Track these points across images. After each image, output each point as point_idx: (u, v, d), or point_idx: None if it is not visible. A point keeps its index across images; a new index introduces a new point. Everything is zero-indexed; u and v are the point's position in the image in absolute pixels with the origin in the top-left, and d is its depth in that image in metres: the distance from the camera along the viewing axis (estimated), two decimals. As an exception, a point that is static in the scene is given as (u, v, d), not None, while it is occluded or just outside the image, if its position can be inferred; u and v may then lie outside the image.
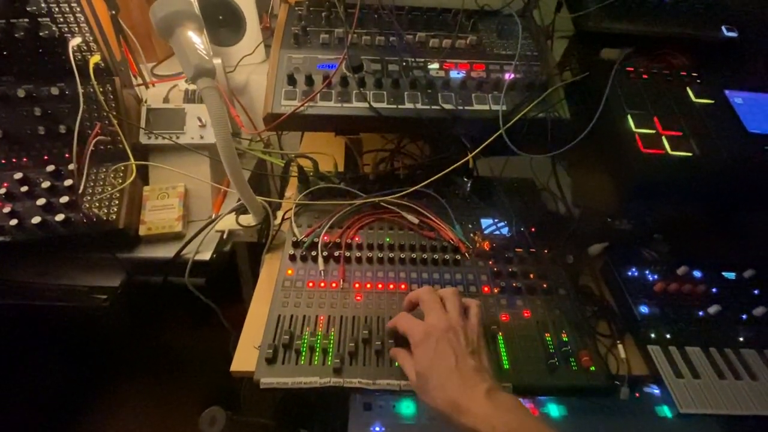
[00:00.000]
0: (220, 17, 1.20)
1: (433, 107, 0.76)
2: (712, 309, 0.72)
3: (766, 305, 0.72)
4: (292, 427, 0.92)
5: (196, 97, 0.94)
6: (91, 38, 0.78)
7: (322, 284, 0.72)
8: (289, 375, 0.60)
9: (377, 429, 0.68)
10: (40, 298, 0.79)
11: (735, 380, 0.65)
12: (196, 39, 0.67)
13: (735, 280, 0.78)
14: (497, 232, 0.83)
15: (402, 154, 0.91)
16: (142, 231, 0.80)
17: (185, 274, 0.79)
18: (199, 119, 0.88)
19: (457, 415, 0.49)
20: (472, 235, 0.81)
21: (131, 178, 0.79)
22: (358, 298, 0.70)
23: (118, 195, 0.79)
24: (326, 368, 0.61)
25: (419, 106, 0.76)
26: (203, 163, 0.88)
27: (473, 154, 0.77)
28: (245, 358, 0.65)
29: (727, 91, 0.77)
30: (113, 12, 0.84)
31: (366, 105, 0.75)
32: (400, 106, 0.76)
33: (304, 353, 0.62)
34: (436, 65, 0.81)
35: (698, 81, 0.78)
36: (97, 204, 0.77)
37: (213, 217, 0.87)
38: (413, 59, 0.81)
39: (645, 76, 0.78)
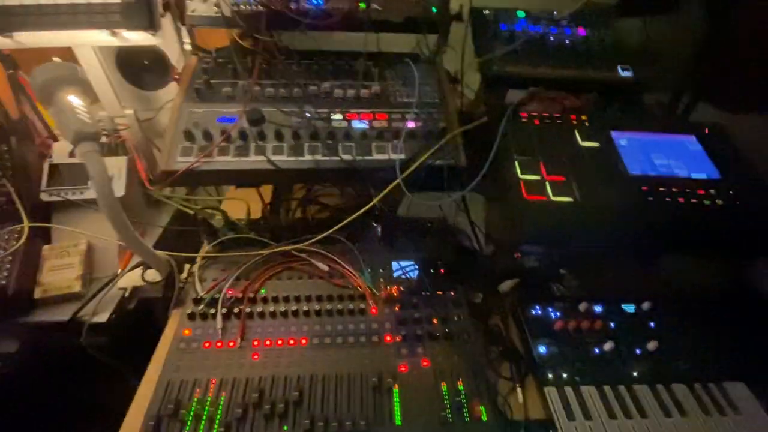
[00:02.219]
0: (145, 62, 1.19)
1: (332, 158, 0.77)
2: (607, 346, 0.74)
3: (659, 339, 0.75)
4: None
5: (105, 150, 0.93)
6: (-21, 100, 0.76)
7: (219, 344, 0.70)
8: (171, 448, 0.58)
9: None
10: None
11: (625, 419, 0.67)
12: (77, 102, 0.66)
13: (633, 313, 0.81)
14: (407, 276, 0.83)
15: (317, 201, 0.92)
16: (38, 293, 0.77)
17: (83, 337, 0.76)
18: (105, 173, 0.86)
19: None
20: (381, 280, 0.82)
21: (22, 241, 0.76)
22: (255, 357, 0.69)
23: (10, 258, 0.76)
24: (211, 438, 0.59)
25: (319, 157, 0.77)
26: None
27: (373, 203, 0.78)
28: (133, 426, 0.63)
29: (613, 133, 0.82)
30: (11, 71, 0.83)
31: (264, 158, 0.76)
32: (299, 158, 0.77)
33: (189, 423, 0.60)
34: (339, 116, 0.83)
35: (586, 124, 0.83)
36: (-14, 269, 0.74)
37: (119, 273, 0.85)
38: (315, 110, 0.82)
39: (537, 122, 0.82)
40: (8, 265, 0.75)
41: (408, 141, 0.81)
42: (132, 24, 0.79)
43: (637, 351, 0.75)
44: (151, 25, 0.81)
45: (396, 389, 0.66)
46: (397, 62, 0.95)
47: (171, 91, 1.20)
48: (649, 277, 0.89)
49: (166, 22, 0.89)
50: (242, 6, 0.83)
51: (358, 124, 0.82)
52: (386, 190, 0.76)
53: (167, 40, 1.11)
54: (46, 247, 0.83)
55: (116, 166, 0.89)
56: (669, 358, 0.74)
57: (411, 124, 0.82)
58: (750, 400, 0.70)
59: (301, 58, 0.91)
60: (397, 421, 0.63)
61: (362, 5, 0.87)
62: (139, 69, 1.18)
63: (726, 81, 0.99)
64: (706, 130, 0.85)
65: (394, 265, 0.85)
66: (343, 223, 0.80)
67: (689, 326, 0.78)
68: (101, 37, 0.80)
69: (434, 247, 0.89)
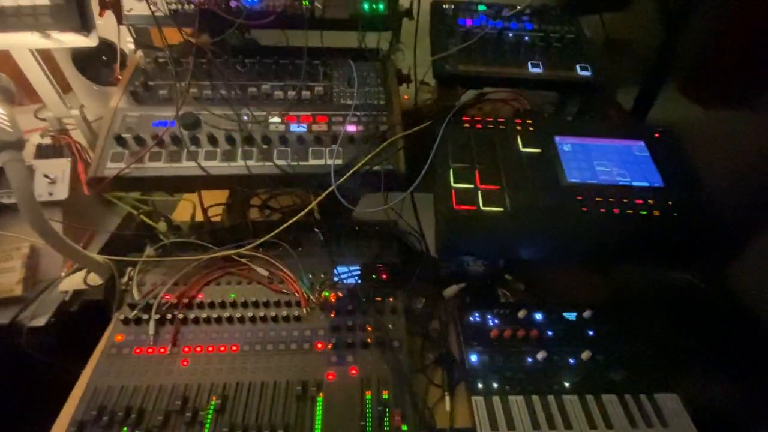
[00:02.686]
0: (104, 57, 1.18)
1: (266, 164, 0.76)
2: (540, 355, 0.74)
3: (595, 348, 0.75)
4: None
5: (52, 153, 0.92)
6: None
7: (150, 350, 0.71)
8: (89, 456, 0.59)
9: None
10: None
11: (549, 431, 0.67)
12: (-1, 111, 0.65)
13: (574, 321, 0.80)
14: (345, 282, 0.83)
15: (266, 205, 0.91)
16: (-22, 297, 0.78)
17: (23, 340, 0.77)
18: (47, 176, 0.86)
19: None
20: (320, 286, 0.82)
21: (-41, 245, 0.77)
22: (185, 363, 0.70)
23: (-52, 263, 0.76)
24: (127, 449, 0.60)
25: (251, 162, 0.76)
26: (54, 220, 0.86)
27: (308, 209, 0.77)
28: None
29: (557, 138, 0.79)
30: (-53, 71, 0.82)
31: (195, 164, 0.75)
32: (231, 164, 0.76)
33: (112, 430, 0.61)
34: (277, 119, 0.81)
35: (530, 128, 0.80)
36: (-76, 274, 0.74)
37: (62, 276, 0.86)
38: (252, 114, 0.80)
39: (479, 126, 0.80)
40: (-53, 270, 0.76)
41: (346, 146, 0.79)
42: (63, 26, 0.77)
43: (571, 361, 0.74)
44: (84, 27, 0.79)
45: (320, 398, 0.66)
46: (345, 60, 0.92)
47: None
48: (593, 285, 0.88)
49: (112, 19, 0.87)
50: (176, 5, 0.80)
51: (296, 128, 0.81)
52: (321, 197, 0.75)
53: (123, 37, 1.09)
54: (-12, 250, 0.83)
55: (60, 168, 0.88)
56: (602, 368, 0.73)
57: (351, 128, 0.81)
58: (680, 413, 0.70)
59: (245, 57, 0.89)
60: (317, 430, 0.63)
61: (305, 2, 0.85)
62: (98, 65, 1.17)
63: (695, 76, 0.95)
64: (657, 135, 0.82)
65: (337, 270, 0.85)
66: (280, 228, 0.79)
67: (627, 336, 0.77)
68: (33, 39, 0.78)
69: (379, 251, 0.89)
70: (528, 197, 0.70)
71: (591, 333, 0.78)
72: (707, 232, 0.69)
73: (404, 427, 0.64)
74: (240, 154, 0.76)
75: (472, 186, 0.71)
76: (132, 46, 0.92)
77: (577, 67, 0.96)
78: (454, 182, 0.72)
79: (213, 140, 0.77)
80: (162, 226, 0.89)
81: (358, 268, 0.85)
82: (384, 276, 0.84)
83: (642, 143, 0.80)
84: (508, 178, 0.72)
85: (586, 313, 0.81)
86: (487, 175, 0.72)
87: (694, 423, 0.68)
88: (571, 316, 0.81)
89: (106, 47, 1.14)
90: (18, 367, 0.81)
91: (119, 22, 0.85)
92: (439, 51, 0.95)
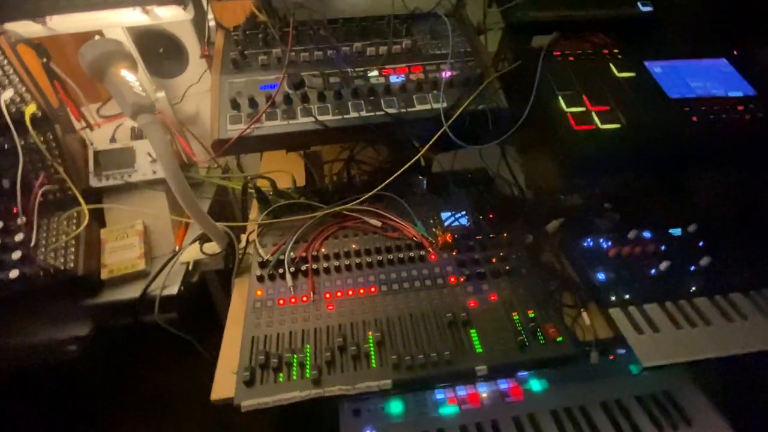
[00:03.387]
0: (161, 50, 1.19)
1: (377, 113, 0.78)
2: (663, 266, 0.77)
3: (711, 255, 0.78)
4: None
5: (144, 133, 0.93)
6: (23, 89, 0.76)
7: (293, 300, 0.73)
8: (269, 394, 0.60)
9: (369, 432, 0.70)
10: (6, 359, 0.77)
11: (691, 328, 0.70)
12: (130, 77, 0.67)
13: (681, 236, 0.84)
14: (457, 224, 0.86)
15: (357, 162, 0.93)
16: (104, 275, 0.79)
17: (155, 312, 0.78)
18: (150, 155, 0.88)
19: None
20: (434, 229, 0.84)
21: (85, 223, 0.78)
22: (330, 307, 0.71)
23: (73, 242, 0.77)
24: (305, 381, 0.62)
25: (364, 113, 0.78)
26: (159, 198, 0.88)
27: (421, 153, 0.79)
28: (224, 384, 0.65)
29: (646, 63, 0.83)
30: (45, 59, 0.83)
31: (312, 119, 0.77)
32: (345, 116, 0.78)
33: (282, 370, 0.63)
34: (375, 72, 0.84)
35: (619, 56, 0.84)
36: (53, 254, 0.75)
37: (176, 250, 0.87)
38: (352, 69, 0.83)
39: (571, 59, 0.83)
40: (73, 249, 0.77)
41: (447, 90, 0.82)
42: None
43: (692, 268, 0.78)
44: (182, 0, 0.81)
45: (470, 322, 0.68)
46: (422, 18, 0.95)
47: (188, 77, 1.21)
48: (689, 202, 0.91)
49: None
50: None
51: (396, 79, 0.83)
52: (434, 138, 0.78)
53: (181, 26, 1.11)
54: (103, 230, 0.84)
55: (157, 147, 0.90)
56: (723, 270, 0.77)
57: (447, 74, 0.83)
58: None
59: (328, 23, 0.91)
60: (478, 348, 0.65)
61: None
62: (155, 57, 1.18)
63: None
64: (735, 52, 0.86)
65: (444, 215, 0.87)
66: (393, 176, 0.81)
67: (737, 241, 0.81)
68: (133, 16, 0.80)
69: (479, 195, 0.91)
70: (640, 113, 0.73)
71: (701, 243, 0.82)
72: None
73: (560, 339, 0.66)
74: (351, 107, 0.79)
75: (584, 109, 0.74)
76: (212, 23, 0.94)
77: (639, 3, 1.00)
78: (567, 107, 0.75)
79: (322, 97, 0.79)
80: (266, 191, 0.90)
81: (464, 212, 0.88)
82: (491, 216, 0.87)
83: (724, 60, 0.85)
84: (615, 99, 0.76)
85: (691, 228, 0.84)
86: (595, 98, 0.76)
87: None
88: (676, 231, 0.84)
89: (164, 39, 1.16)
90: (155, 338, 0.82)
91: (209, -2, 0.87)
92: (505, 2, 0.98)
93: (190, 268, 0.83)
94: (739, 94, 0.78)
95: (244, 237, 0.85)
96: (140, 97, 0.65)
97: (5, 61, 0.73)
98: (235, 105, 0.77)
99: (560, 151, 0.73)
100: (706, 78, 0.81)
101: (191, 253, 0.83)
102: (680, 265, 0.78)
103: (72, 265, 0.75)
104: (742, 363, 0.68)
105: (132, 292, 0.80)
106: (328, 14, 0.93)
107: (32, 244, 0.74)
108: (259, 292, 0.74)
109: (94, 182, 0.85)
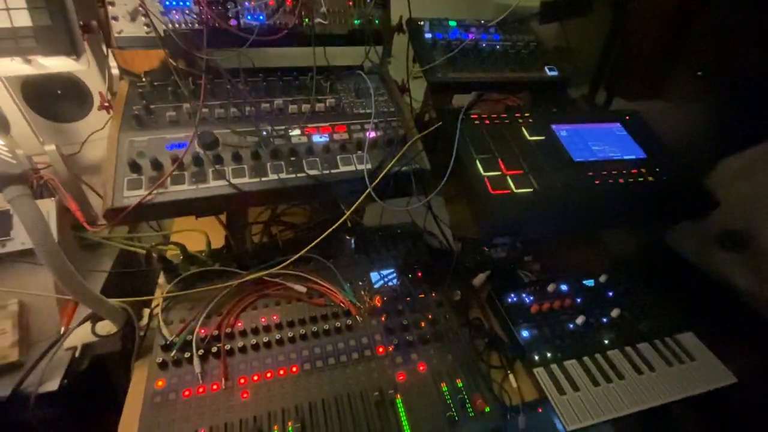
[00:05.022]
0: (59, 91, 1.07)
1: (298, 175, 0.75)
2: (579, 319, 0.80)
3: (619, 306, 0.83)
4: None
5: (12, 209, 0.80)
6: None
7: (201, 390, 0.64)
8: None
9: None
10: None
11: (607, 384, 0.73)
12: (-2, 142, 0.57)
13: (594, 287, 0.89)
14: (386, 285, 0.83)
15: (280, 222, 0.88)
16: (-40, 372, 0.64)
17: (29, 413, 0.65)
18: (30, 220, 0.75)
19: None
20: (362, 293, 0.81)
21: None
22: (245, 395, 0.64)
23: None
24: (211, 494, 0.53)
25: (283, 175, 0.74)
26: (41, 271, 0.75)
27: (347, 215, 0.77)
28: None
29: (553, 126, 0.90)
30: None
31: (225, 183, 0.71)
32: (263, 179, 0.73)
33: (183, 483, 0.54)
34: (297, 131, 0.81)
35: (530, 120, 0.90)
36: None
37: (62, 332, 0.74)
38: (272, 128, 0.79)
39: (487, 122, 0.87)
40: None
41: (371, 150, 0.81)
42: (50, 49, 0.70)
43: (604, 320, 0.82)
44: (74, 50, 0.72)
45: (399, 399, 0.65)
46: (346, 75, 0.95)
47: (92, 122, 1.09)
48: (600, 253, 0.98)
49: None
50: (177, 24, 0.77)
51: (319, 138, 0.81)
52: (359, 201, 0.76)
53: (86, 70, 1.01)
54: (-38, 315, 0.69)
55: (43, 209, 0.77)
56: (630, 321, 0.82)
57: (372, 134, 0.83)
58: (701, 348, 0.80)
59: (247, 76, 0.87)
60: (406, 429, 0.62)
61: (306, 20, 0.87)
62: (51, 99, 1.06)
63: (627, 72, 1.14)
64: (627, 117, 0.96)
65: (373, 275, 0.85)
66: (319, 238, 0.77)
67: (640, 290, 0.88)
68: (13, 66, 0.70)
69: (407, 252, 0.90)
70: (549, 177, 0.78)
71: (611, 294, 0.87)
72: (691, 190, 0.83)
73: (487, 409, 0.65)
74: (270, 168, 0.74)
75: (499, 173, 0.77)
76: (116, 72, 0.86)
77: (546, 68, 1.10)
78: (484, 171, 0.77)
79: (237, 157, 0.74)
80: (175, 257, 0.81)
81: (392, 270, 0.86)
82: (419, 274, 0.86)
83: (618, 124, 0.94)
84: (527, 163, 0.80)
85: (602, 278, 0.90)
86: (509, 162, 0.79)
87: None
88: (589, 282, 0.90)
89: (62, 79, 1.05)
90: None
91: (107, 45, 0.79)
92: (427, 62, 1.02)
93: (77, 354, 0.70)
94: (633, 157, 0.87)
95: (147, 311, 0.75)
96: (10, 166, 0.55)
97: None
98: (136, 167, 0.69)
99: (479, 212, 0.75)
100: (604, 141, 0.89)
101: (80, 335, 0.71)
102: (594, 317, 0.82)
103: None
104: (659, 413, 0.72)
105: (3, 387, 0.66)
106: (249, 64, 0.90)
107: None
108: (160, 383, 0.64)
109: (-47, 255, 0.71)
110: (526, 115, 0.91)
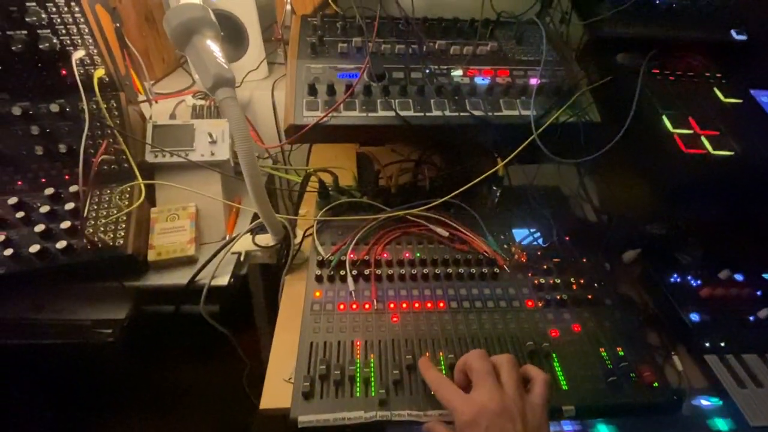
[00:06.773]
0: (221, 33, 1.16)
1: (461, 114, 0.73)
2: (763, 313, 0.69)
3: (816, 306, 0.70)
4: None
5: (205, 113, 0.89)
6: (95, 51, 0.73)
7: (354, 306, 0.66)
8: (329, 410, 0.54)
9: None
10: (36, 336, 0.71)
11: (800, 388, 0.62)
12: (215, 47, 0.63)
13: (779, 282, 0.76)
14: (532, 243, 0.79)
15: (425, 165, 0.87)
16: (151, 256, 0.74)
17: (200, 302, 0.73)
18: (210, 135, 0.83)
19: None
20: (506, 246, 0.77)
21: (141, 200, 0.73)
22: (395, 319, 0.65)
23: (124, 218, 0.72)
24: (370, 400, 0.55)
25: (447, 113, 0.73)
26: (214, 181, 0.83)
27: (506, 161, 0.73)
28: (276, 392, 0.59)
29: (752, 91, 0.77)
30: (117, 24, 0.80)
31: (392, 113, 0.72)
32: (427, 114, 0.73)
33: (344, 385, 0.56)
34: (459, 72, 0.79)
35: (723, 81, 0.78)
36: (103, 228, 0.70)
37: (227, 237, 0.81)
38: (436, 66, 0.78)
39: (671, 78, 0.77)
40: (123, 225, 0.72)
41: (536, 98, 0.76)
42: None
43: (795, 319, 0.70)
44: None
45: (554, 354, 0.61)
46: (506, 24, 0.90)
47: (245, 64, 1.17)
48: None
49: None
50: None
51: (481, 80, 0.78)
52: (521, 147, 0.72)
53: (245, 9, 1.08)
54: (153, 210, 0.79)
55: (218, 129, 0.85)
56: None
57: (536, 81, 0.78)
58: None
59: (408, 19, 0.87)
60: (564, 385, 0.58)
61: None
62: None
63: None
64: None
65: (516, 232, 0.81)
66: (470, 184, 0.75)
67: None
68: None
69: (552, 215, 0.85)
70: (753, 143, 0.67)
71: (803, 293, 0.74)
72: None
73: (656, 384, 0.59)
74: (434, 105, 0.73)
75: (692, 132, 0.68)
76: (289, 7, 0.91)
77: (732, 31, 0.94)
78: (673, 128, 0.68)
79: (403, 91, 0.74)
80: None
81: (536, 230, 0.81)
82: (567, 238, 0.80)
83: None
84: (725, 125, 0.69)
85: (791, 274, 0.76)
86: (703, 121, 0.69)
87: None
88: (773, 277, 0.77)
89: (226, 21, 1.13)
90: (189, 330, 0.77)
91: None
92: (590, 16, 0.93)
93: (242, 259, 0.77)
94: None
95: (299, 232, 0.79)
96: (223, 69, 0.60)
97: (82, 20, 0.69)
98: (313, 91, 0.72)
99: (665, 174, 0.67)
100: (819, 112, 0.74)
101: (243, 243, 0.78)
102: (782, 315, 0.70)
103: (121, 242, 0.70)
104: None
105: (178, 278, 0.74)
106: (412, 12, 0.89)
107: (83, 215, 0.69)
108: (317, 293, 0.68)
109: (150, 157, 0.80)
110: (718, 75, 0.79)
